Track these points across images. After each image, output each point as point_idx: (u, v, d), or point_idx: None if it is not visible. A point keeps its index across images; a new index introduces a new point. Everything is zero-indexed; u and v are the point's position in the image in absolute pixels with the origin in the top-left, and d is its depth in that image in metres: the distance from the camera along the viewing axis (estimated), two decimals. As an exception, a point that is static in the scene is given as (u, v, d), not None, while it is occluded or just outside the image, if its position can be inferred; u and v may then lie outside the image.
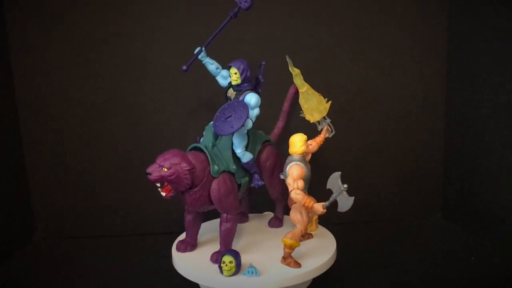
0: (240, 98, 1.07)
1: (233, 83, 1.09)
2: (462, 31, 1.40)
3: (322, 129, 1.14)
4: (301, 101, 1.11)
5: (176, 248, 1.08)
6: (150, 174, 0.94)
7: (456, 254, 1.23)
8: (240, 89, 1.09)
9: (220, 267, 0.95)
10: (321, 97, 1.13)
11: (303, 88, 1.10)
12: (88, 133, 1.39)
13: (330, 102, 1.12)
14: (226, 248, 1.03)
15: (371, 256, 1.23)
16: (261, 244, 1.13)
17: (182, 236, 1.17)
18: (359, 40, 1.43)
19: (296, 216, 1.02)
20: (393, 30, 1.44)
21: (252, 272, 0.95)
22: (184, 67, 1.10)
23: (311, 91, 1.11)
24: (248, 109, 1.01)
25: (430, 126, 1.49)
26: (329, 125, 1.14)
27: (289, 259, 1.01)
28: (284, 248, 1.00)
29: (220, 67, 1.14)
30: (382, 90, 1.46)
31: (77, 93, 1.38)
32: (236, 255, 0.96)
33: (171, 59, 1.37)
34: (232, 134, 1.03)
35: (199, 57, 1.12)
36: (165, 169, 0.94)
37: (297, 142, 1.04)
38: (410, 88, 1.47)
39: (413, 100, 1.47)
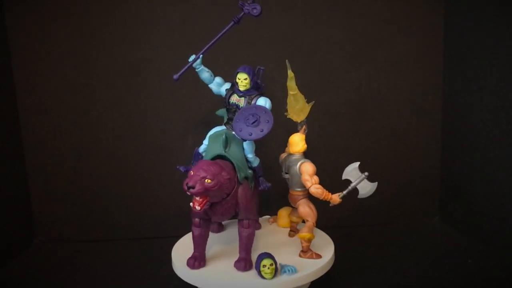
0: (252, 103, 1.08)
1: (242, 88, 1.08)
2: (458, 35, 1.41)
3: (301, 128, 1.16)
4: (292, 103, 1.14)
5: (189, 265, 1.02)
6: (193, 187, 0.88)
7: (453, 257, 1.24)
8: (249, 94, 1.09)
9: (260, 272, 0.95)
10: (304, 98, 1.17)
11: (295, 90, 1.13)
12: (89, 138, 1.40)
13: (313, 102, 1.15)
14: (248, 253, 1.02)
15: (369, 259, 1.24)
16: (259, 247, 1.13)
17: (182, 240, 1.19)
18: (356, 45, 1.44)
19: (305, 210, 1.09)
20: (389, 35, 1.45)
21: (291, 270, 0.97)
22: (175, 76, 1.06)
23: (299, 93, 1.15)
24: (271, 113, 1.03)
25: (427, 129, 1.50)
26: (305, 125, 1.17)
27: (309, 252, 1.06)
28: (302, 243, 1.06)
29: (213, 74, 1.12)
30: (379, 94, 1.47)
31: (77, 97, 1.39)
32: (273, 257, 0.96)
33: (171, 65, 1.37)
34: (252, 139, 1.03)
35: (194, 64, 1.08)
36: (209, 180, 0.89)
37: (300, 141, 1.11)
38: (407, 92, 1.48)
39: (410, 104, 1.49)
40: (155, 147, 1.42)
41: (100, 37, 1.37)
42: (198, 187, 0.88)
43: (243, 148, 1.08)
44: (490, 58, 1.28)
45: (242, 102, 1.09)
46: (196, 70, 1.09)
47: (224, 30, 1.07)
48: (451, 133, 1.47)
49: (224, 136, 1.03)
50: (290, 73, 1.12)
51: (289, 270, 0.97)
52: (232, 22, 1.07)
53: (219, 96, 1.14)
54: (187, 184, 0.89)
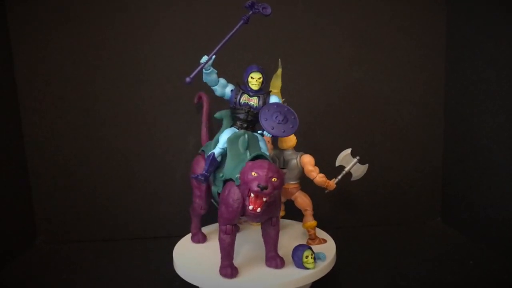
0: (269, 101, 1.08)
1: (255, 88, 1.08)
2: (460, 36, 1.41)
3: None
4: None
5: (226, 276, 0.96)
6: (266, 188, 0.86)
7: (455, 258, 1.24)
8: (262, 93, 1.09)
9: (302, 264, 0.97)
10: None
11: (278, 89, 1.18)
12: (90, 138, 1.40)
13: (285, 99, 1.19)
14: (277, 250, 1.02)
15: (370, 260, 1.24)
16: (255, 251, 1.12)
17: (183, 240, 1.19)
18: (358, 46, 1.44)
19: (305, 201, 1.16)
20: (391, 36, 1.45)
21: (324, 256, 1.02)
22: (188, 79, 1.00)
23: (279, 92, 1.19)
24: (292, 110, 1.05)
25: (429, 130, 1.50)
26: None
27: (316, 239, 1.13)
28: (309, 232, 1.14)
29: None
30: (381, 94, 1.47)
31: (79, 98, 1.39)
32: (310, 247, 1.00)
33: (172, 64, 1.39)
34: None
35: (205, 66, 1.03)
36: (275, 179, 0.88)
37: (293, 136, 1.16)
38: (409, 93, 1.48)
39: (412, 105, 1.49)
40: (156, 147, 1.42)
41: (101, 36, 1.37)
42: (270, 187, 0.87)
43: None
44: (492, 59, 1.28)
45: (255, 101, 1.08)
46: (205, 72, 1.05)
47: (234, 29, 1.04)
48: (453, 134, 1.47)
49: (246, 137, 1.03)
50: (279, 71, 1.16)
51: (322, 257, 1.01)
52: (242, 21, 1.05)
53: (221, 97, 1.13)
54: (259, 185, 0.86)
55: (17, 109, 1.37)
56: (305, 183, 1.19)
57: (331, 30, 1.43)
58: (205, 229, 1.24)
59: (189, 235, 1.21)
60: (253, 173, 0.88)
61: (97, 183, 1.43)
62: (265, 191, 0.86)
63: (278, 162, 1.17)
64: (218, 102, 1.22)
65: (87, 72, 1.38)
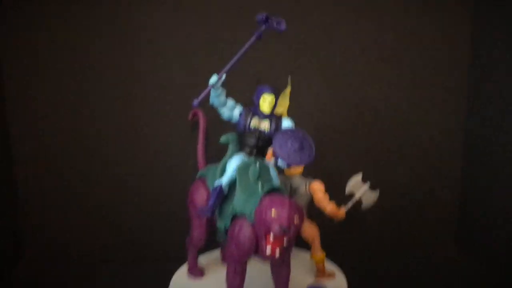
0: (284, 125, 1.02)
1: (268, 110, 1.01)
2: (485, 54, 1.34)
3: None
4: None
5: None
6: (288, 230, 0.79)
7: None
8: (273, 117, 1.02)
9: None
10: None
11: (285, 108, 1.13)
12: (83, 154, 1.33)
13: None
14: None
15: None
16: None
17: (181, 272, 1.12)
18: (374, 60, 1.37)
19: (313, 231, 1.10)
20: (410, 50, 1.38)
21: None
22: (196, 102, 0.94)
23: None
24: (308, 136, 0.99)
25: (447, 154, 1.44)
26: None
27: (326, 272, 1.10)
28: (317, 265, 1.10)
29: None
30: (397, 113, 1.40)
31: (71, 107, 1.31)
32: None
33: (174, 76, 1.31)
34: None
35: (215, 87, 0.95)
36: (296, 218, 0.81)
37: None
38: (427, 114, 1.41)
39: (430, 126, 1.42)
40: (154, 165, 1.35)
41: (98, 38, 1.28)
42: (292, 228, 0.80)
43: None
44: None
45: (266, 126, 1.01)
46: (215, 93, 0.96)
47: (246, 47, 0.97)
48: (473, 157, 1.40)
49: (257, 166, 0.94)
50: (287, 89, 1.11)
51: None
52: (254, 38, 0.97)
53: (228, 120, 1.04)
54: (281, 226, 0.78)
55: (4, 119, 1.29)
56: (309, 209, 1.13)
57: (345, 43, 1.35)
58: (202, 258, 1.17)
59: (186, 265, 1.13)
60: (273, 212, 0.79)
61: (90, 201, 1.35)
62: (286, 234, 0.79)
63: (286, 190, 1.08)
64: (215, 119, 1.12)
65: (80, 78, 1.30)
